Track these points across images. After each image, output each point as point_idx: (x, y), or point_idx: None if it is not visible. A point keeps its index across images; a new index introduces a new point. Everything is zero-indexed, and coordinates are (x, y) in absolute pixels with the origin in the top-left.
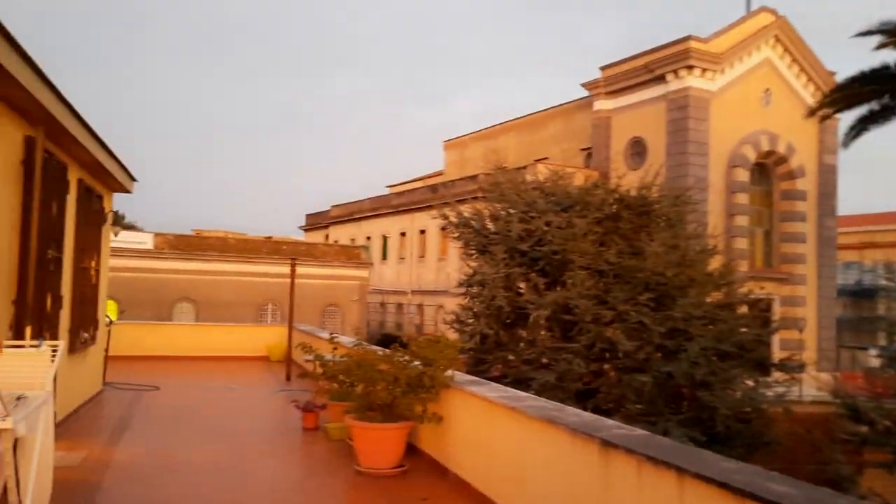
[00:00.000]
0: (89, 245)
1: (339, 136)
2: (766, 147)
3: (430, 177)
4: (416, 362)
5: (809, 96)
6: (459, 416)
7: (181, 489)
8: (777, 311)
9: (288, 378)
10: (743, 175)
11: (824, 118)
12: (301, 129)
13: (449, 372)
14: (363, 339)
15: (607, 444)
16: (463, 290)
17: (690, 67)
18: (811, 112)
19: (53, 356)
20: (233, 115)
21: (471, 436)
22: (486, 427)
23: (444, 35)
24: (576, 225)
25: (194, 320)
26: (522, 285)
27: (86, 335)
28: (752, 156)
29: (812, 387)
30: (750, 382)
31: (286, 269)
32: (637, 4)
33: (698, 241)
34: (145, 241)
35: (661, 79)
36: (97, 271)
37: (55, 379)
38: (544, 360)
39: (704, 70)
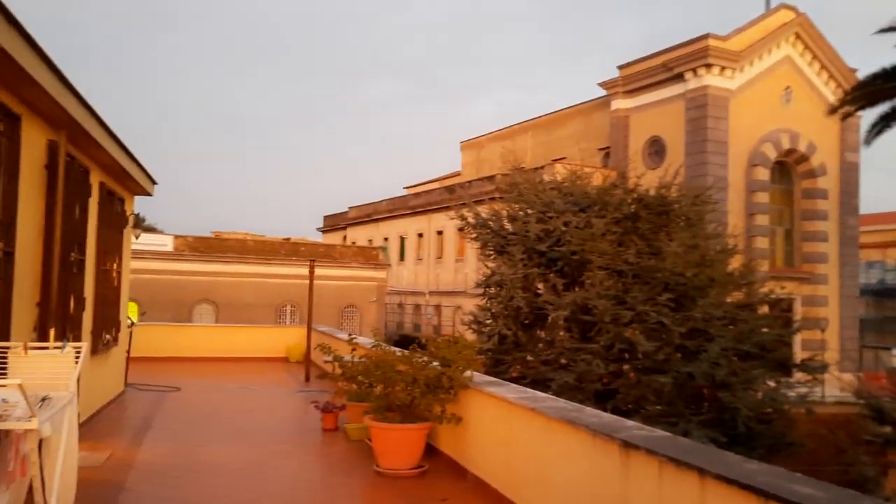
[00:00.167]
0: (111, 247)
1: (357, 137)
2: (786, 145)
3: (447, 177)
4: (435, 363)
5: (831, 94)
6: (478, 416)
7: (203, 488)
8: (798, 310)
9: (307, 379)
10: (763, 174)
11: (846, 116)
12: (319, 130)
13: (467, 373)
14: (381, 340)
15: (628, 444)
16: (481, 290)
17: (709, 66)
18: (832, 109)
19: (77, 357)
20: (251, 117)
21: (490, 436)
22: (505, 428)
23: (464, 36)
24: (594, 225)
25: (214, 321)
26: (541, 286)
27: (108, 337)
28: (772, 154)
29: (835, 387)
30: (771, 383)
31: (305, 271)
32: (657, 4)
33: (718, 240)
34: (166, 243)
35: (679, 77)
36: (119, 273)
37: (79, 380)
38: (563, 361)
39: (723, 68)
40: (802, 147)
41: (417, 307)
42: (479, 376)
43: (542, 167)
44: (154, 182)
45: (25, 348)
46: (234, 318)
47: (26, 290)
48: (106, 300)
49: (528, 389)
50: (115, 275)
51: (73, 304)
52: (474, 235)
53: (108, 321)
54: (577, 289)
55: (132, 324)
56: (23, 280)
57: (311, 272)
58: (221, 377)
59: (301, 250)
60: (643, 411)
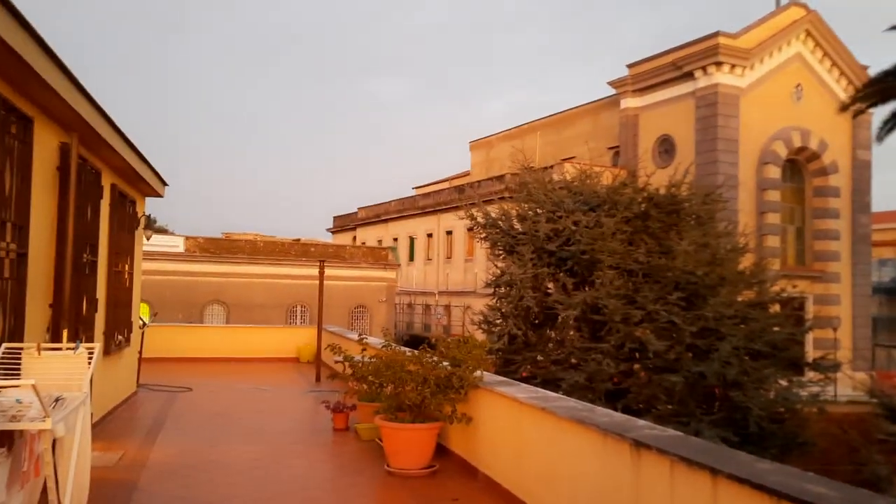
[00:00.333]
0: (123, 249)
1: (367, 137)
2: (797, 143)
3: (456, 177)
4: (445, 363)
5: (842, 91)
6: (489, 416)
7: (215, 488)
8: (810, 309)
9: (318, 379)
10: (774, 172)
11: (857, 113)
12: (330, 131)
13: (477, 372)
14: (391, 340)
15: (639, 444)
16: (490, 290)
17: (719, 64)
18: (844, 107)
19: (90, 358)
20: (262, 118)
21: (500, 436)
22: (515, 428)
23: (474, 36)
24: (604, 224)
25: (225, 322)
26: (551, 285)
27: (120, 337)
28: (783, 152)
29: (847, 386)
30: (783, 382)
31: (315, 271)
32: (667, 2)
33: (729, 239)
34: (177, 244)
35: (689, 76)
36: (131, 275)
37: (91, 380)
38: (573, 361)
39: (733, 66)
40: (814, 145)
41: (427, 307)
42: (489, 376)
43: (552, 166)
44: (165, 184)
45: (39, 349)
46: (244, 319)
47: (39, 291)
48: (118, 301)
49: (539, 389)
50: (126, 276)
51: (85, 305)
52: (484, 235)
53: (120, 322)
54: (587, 288)
55: (144, 324)
56: (36, 281)
57: (321, 273)
58: (232, 377)
59: (311, 251)
60: (654, 411)
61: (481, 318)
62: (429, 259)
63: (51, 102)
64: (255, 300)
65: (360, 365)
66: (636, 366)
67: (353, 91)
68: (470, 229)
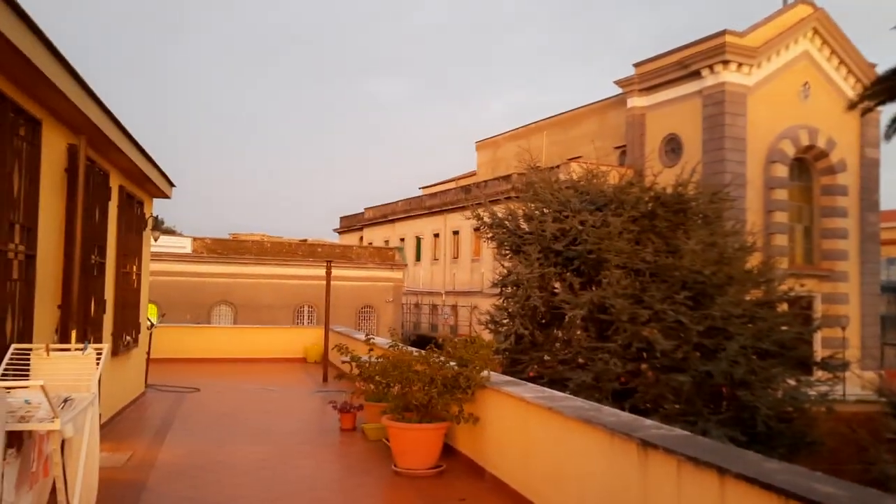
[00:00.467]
0: (131, 250)
1: (373, 138)
2: (805, 141)
3: (462, 177)
4: (452, 363)
5: (849, 89)
6: (496, 416)
7: (224, 488)
8: (819, 308)
9: (325, 379)
10: (782, 170)
11: (865, 111)
12: (335, 131)
13: (484, 372)
14: (398, 340)
15: (646, 443)
16: (497, 290)
17: (726, 62)
18: (852, 105)
19: (98, 359)
20: (268, 119)
21: (507, 436)
22: (522, 427)
23: (479, 36)
24: (611, 224)
25: (232, 322)
26: (557, 285)
27: (128, 338)
28: (790, 151)
29: (856, 385)
30: (791, 381)
31: (322, 272)
32: (667, 2)
33: (736, 238)
34: (184, 245)
35: (696, 74)
36: (138, 276)
37: (100, 381)
38: (580, 360)
39: (740, 64)
40: (821, 143)
41: (434, 307)
42: (496, 376)
43: (558, 166)
44: (172, 185)
45: (47, 350)
46: (252, 319)
47: (48, 292)
48: (126, 302)
49: (546, 389)
50: (134, 277)
51: (93, 306)
52: (490, 235)
53: (128, 323)
54: (594, 288)
55: (152, 325)
56: (44, 283)
57: (328, 273)
58: (240, 378)
59: (318, 251)
60: (662, 410)
61: (488, 317)
62: (435, 259)
63: (59, 105)
64: (263, 301)
65: (367, 365)
66: (643, 365)
67: (352, 91)
68: (476, 229)
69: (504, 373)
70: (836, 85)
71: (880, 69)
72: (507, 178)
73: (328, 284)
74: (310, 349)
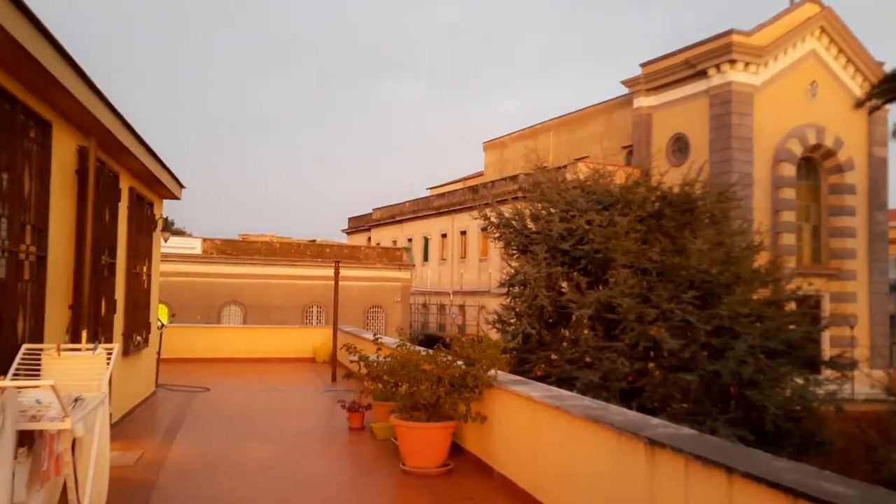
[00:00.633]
0: (141, 251)
1: (381, 138)
2: (812, 140)
3: (470, 178)
4: (460, 362)
5: (857, 88)
6: (503, 415)
7: (234, 487)
8: (827, 307)
9: (333, 379)
10: (789, 170)
11: (873, 109)
12: (344, 132)
13: (492, 371)
14: (406, 340)
15: (653, 443)
16: (505, 289)
17: (733, 61)
18: (859, 103)
19: (108, 359)
20: (277, 119)
21: (515, 435)
22: (530, 426)
23: (486, 37)
24: (618, 223)
25: (242, 323)
26: (564, 284)
27: (139, 338)
28: (798, 150)
29: (865, 384)
30: (800, 380)
31: (330, 272)
32: (675, 3)
33: (743, 237)
34: (194, 246)
35: (702, 74)
36: (149, 276)
37: (110, 381)
38: (588, 360)
39: (747, 64)
40: (829, 142)
41: (442, 307)
42: (503, 375)
43: (565, 166)
44: (182, 186)
45: (58, 350)
46: (261, 320)
47: (59, 293)
48: (136, 303)
49: (553, 388)
50: (145, 278)
51: (104, 306)
52: (497, 235)
53: (138, 323)
54: (601, 287)
55: (162, 326)
56: (55, 283)
57: (337, 273)
58: (250, 378)
59: (326, 252)
60: (669, 409)
61: (496, 317)
62: (443, 259)
63: (69, 107)
64: (272, 301)
65: (375, 364)
66: (651, 364)
67: (361, 93)
68: (484, 229)
69: (512, 372)
70: (844, 83)
71: (888, 67)
72: (514, 178)
73: (336, 285)
74: (318, 349)
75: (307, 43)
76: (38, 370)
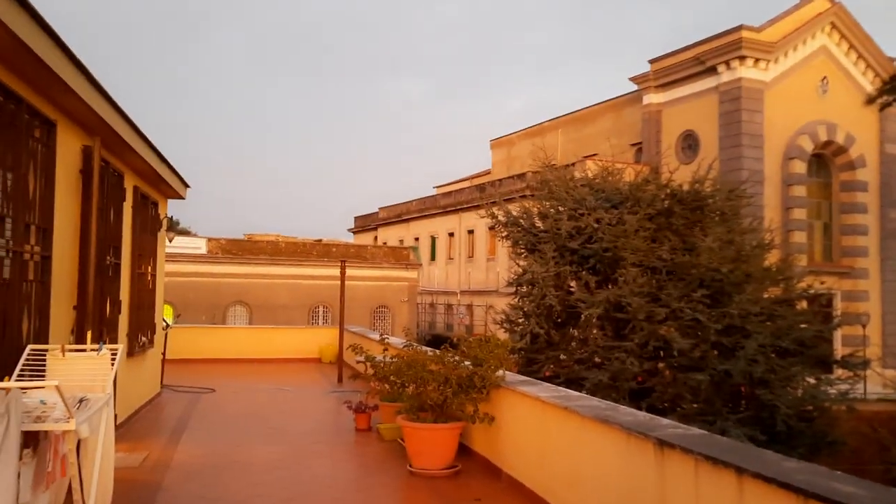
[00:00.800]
0: (146, 251)
1: (387, 137)
2: (823, 137)
3: (477, 176)
4: (467, 362)
5: (868, 84)
6: (511, 416)
7: (240, 488)
8: (838, 306)
9: (339, 379)
10: (800, 167)
11: (884, 106)
12: (349, 130)
13: (500, 372)
14: (413, 340)
15: (663, 443)
16: (512, 289)
17: (743, 58)
18: (870, 100)
19: (113, 359)
20: (282, 118)
21: (523, 436)
22: (538, 427)
23: (493, 34)
24: (627, 221)
25: (248, 323)
26: (573, 284)
27: (144, 339)
28: (809, 147)
29: (878, 384)
30: (811, 380)
31: (336, 272)
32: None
33: (754, 235)
34: (199, 245)
35: (712, 70)
36: (153, 276)
37: (115, 381)
38: (597, 360)
39: (757, 60)
40: (840, 139)
41: (449, 307)
42: (511, 375)
43: (573, 164)
44: (187, 186)
45: (63, 350)
46: (267, 320)
47: (64, 293)
48: (141, 303)
49: (562, 388)
50: (149, 278)
51: (109, 306)
52: (505, 234)
53: (143, 323)
54: (610, 286)
55: (167, 326)
56: (60, 284)
57: (343, 273)
58: (255, 378)
59: (332, 251)
60: (679, 410)
61: (503, 317)
62: (450, 258)
63: (73, 106)
64: (278, 301)
65: (381, 365)
66: (661, 364)
67: (368, 91)
68: (491, 228)
69: (520, 372)
70: (855, 80)
71: None
72: (521, 176)
73: (343, 284)
74: (325, 349)
75: (314, 41)
76: (43, 371)
